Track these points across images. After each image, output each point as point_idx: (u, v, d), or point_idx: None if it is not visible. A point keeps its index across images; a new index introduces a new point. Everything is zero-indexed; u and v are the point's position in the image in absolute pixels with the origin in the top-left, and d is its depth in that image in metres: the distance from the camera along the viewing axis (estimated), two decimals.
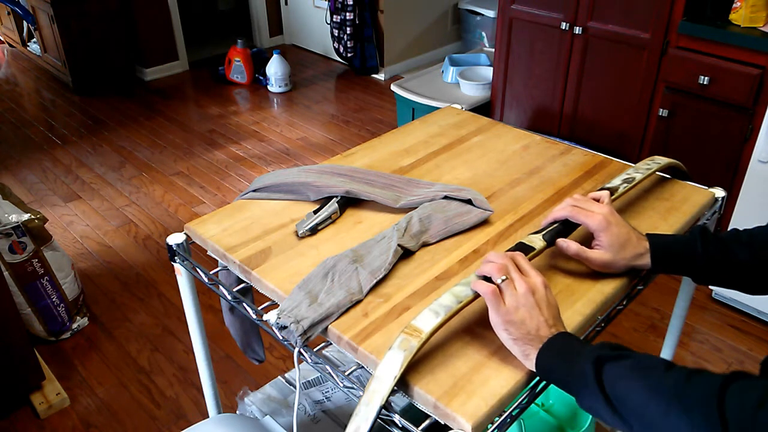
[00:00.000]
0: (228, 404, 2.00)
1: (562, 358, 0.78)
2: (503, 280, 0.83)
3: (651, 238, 0.96)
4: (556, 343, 0.80)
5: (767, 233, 0.93)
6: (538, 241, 0.97)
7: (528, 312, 0.81)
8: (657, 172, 1.26)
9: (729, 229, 0.97)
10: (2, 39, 5.36)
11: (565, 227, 1.00)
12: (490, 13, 4.20)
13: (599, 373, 0.73)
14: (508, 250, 0.95)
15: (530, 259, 0.94)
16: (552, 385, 0.84)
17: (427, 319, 0.83)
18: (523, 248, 0.95)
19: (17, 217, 2.10)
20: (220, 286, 1.10)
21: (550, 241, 0.98)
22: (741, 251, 0.92)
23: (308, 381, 1.59)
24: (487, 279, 0.85)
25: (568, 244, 0.97)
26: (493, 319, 0.83)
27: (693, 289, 1.42)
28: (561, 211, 0.99)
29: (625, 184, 1.13)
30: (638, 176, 1.17)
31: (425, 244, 1.09)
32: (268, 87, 4.34)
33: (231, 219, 1.18)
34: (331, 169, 1.27)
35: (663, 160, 1.24)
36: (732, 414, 0.63)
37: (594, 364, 0.74)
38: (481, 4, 4.33)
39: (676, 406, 0.67)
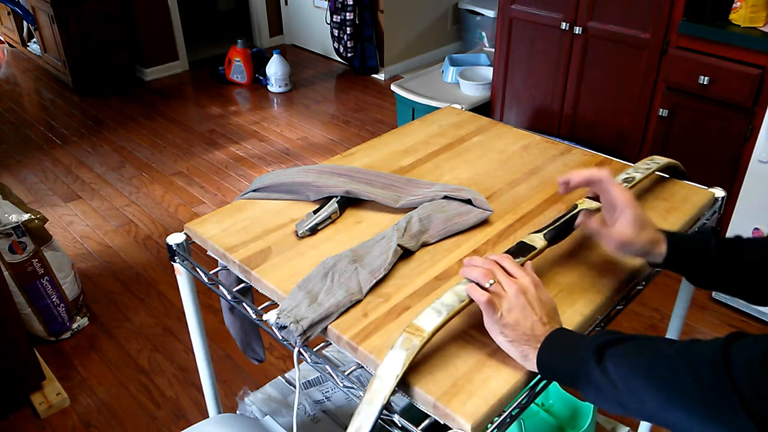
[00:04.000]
0: (228, 404, 2.00)
1: (562, 352, 0.78)
2: (491, 284, 0.83)
3: (666, 232, 0.94)
4: (554, 339, 0.80)
5: None
6: (539, 241, 0.96)
7: (521, 312, 0.81)
8: (657, 172, 1.26)
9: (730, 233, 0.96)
10: (2, 39, 5.36)
11: (567, 227, 1.00)
12: (490, 13, 4.20)
13: (601, 359, 0.73)
14: (508, 250, 0.95)
15: (531, 259, 0.94)
16: (552, 385, 0.84)
17: (429, 318, 0.83)
18: (524, 248, 0.95)
19: (17, 217, 2.10)
20: (220, 286, 1.10)
21: (551, 240, 0.98)
22: (752, 250, 0.90)
23: (308, 381, 1.59)
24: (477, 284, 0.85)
25: (590, 221, 0.94)
26: (488, 324, 0.83)
27: (693, 289, 1.42)
28: (588, 172, 0.95)
29: (625, 184, 1.13)
30: (638, 176, 1.17)
31: (425, 244, 1.09)
32: (268, 87, 4.34)
33: (231, 219, 1.18)
34: (331, 169, 1.27)
35: (662, 160, 1.24)
36: (737, 366, 0.63)
37: (595, 352, 0.74)
38: (481, 4, 4.33)
39: (682, 369, 0.67)
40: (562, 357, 0.78)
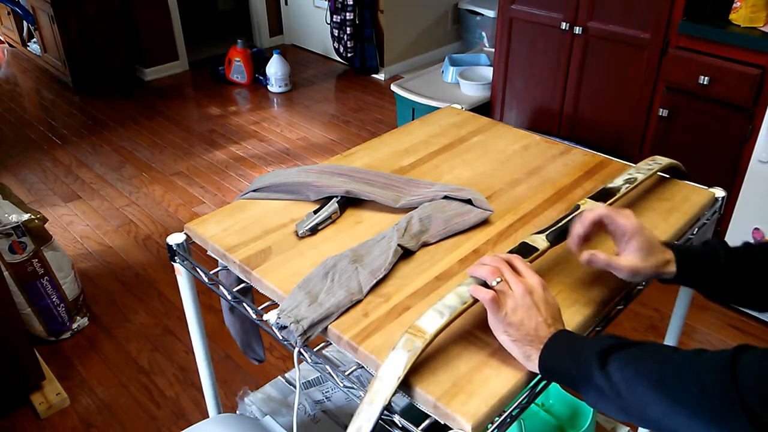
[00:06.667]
0: (228, 404, 2.00)
1: (565, 355, 0.78)
2: (498, 282, 0.83)
3: (672, 246, 0.92)
4: (557, 340, 0.80)
5: None
6: (541, 242, 0.96)
7: (526, 312, 0.81)
8: (657, 172, 1.26)
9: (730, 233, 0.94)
10: (2, 39, 5.36)
11: (569, 227, 1.00)
12: (490, 13, 4.20)
13: (605, 364, 0.73)
14: (511, 251, 0.94)
15: (533, 260, 0.94)
16: (552, 385, 0.84)
17: (431, 320, 0.83)
18: (526, 248, 0.94)
19: (17, 217, 2.10)
20: (220, 286, 1.10)
21: (554, 241, 0.97)
22: (763, 258, 0.89)
23: (308, 381, 1.59)
24: (483, 282, 0.85)
25: (596, 256, 0.91)
26: (492, 322, 0.83)
27: (693, 290, 1.41)
28: (593, 213, 0.93)
29: (627, 185, 1.13)
30: (640, 177, 1.17)
31: (425, 244, 1.09)
32: (268, 87, 4.34)
33: (231, 219, 1.18)
34: (331, 169, 1.27)
35: (664, 161, 1.24)
36: (745, 379, 0.62)
37: (599, 356, 0.74)
38: (481, 4, 4.33)
39: (688, 379, 0.66)
40: (565, 359, 0.78)
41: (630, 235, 0.90)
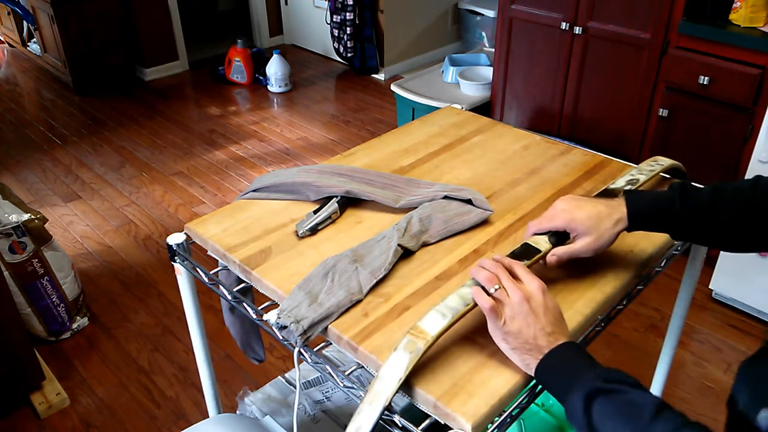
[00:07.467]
0: (228, 404, 2.00)
1: (559, 377, 0.78)
2: (496, 289, 0.82)
3: (628, 197, 0.94)
4: (555, 357, 0.79)
5: (750, 191, 0.90)
6: (543, 243, 0.95)
7: (524, 320, 0.80)
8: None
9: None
10: (2, 39, 5.36)
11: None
12: (490, 13, 4.20)
13: (589, 408, 0.72)
14: (513, 252, 0.94)
15: (536, 261, 0.93)
16: None
17: (433, 321, 0.82)
18: (529, 250, 0.94)
19: (17, 217, 2.10)
20: (220, 286, 1.10)
21: (556, 242, 0.96)
22: (722, 210, 0.90)
23: (308, 381, 1.59)
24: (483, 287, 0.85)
25: (556, 254, 0.95)
26: (492, 330, 0.83)
27: (693, 289, 1.42)
28: (528, 232, 0.99)
29: (629, 186, 1.13)
30: (642, 177, 1.16)
31: (425, 244, 1.09)
32: (268, 87, 4.34)
33: (231, 219, 1.18)
34: (331, 169, 1.27)
35: (666, 161, 1.24)
36: None
37: (585, 398, 0.73)
38: (481, 4, 4.33)
39: None
40: (557, 381, 0.78)
41: (567, 227, 0.95)
